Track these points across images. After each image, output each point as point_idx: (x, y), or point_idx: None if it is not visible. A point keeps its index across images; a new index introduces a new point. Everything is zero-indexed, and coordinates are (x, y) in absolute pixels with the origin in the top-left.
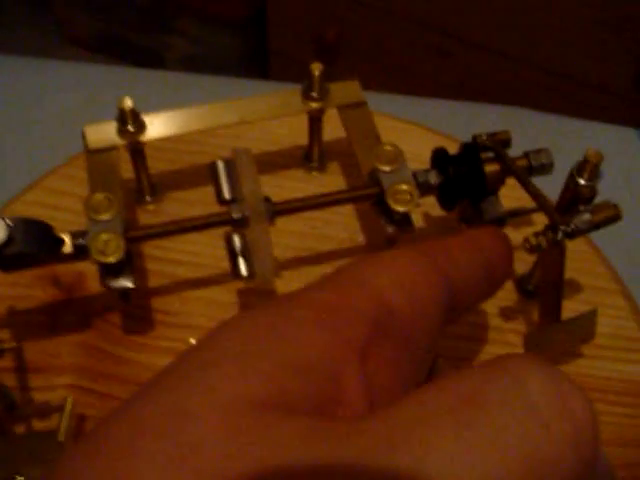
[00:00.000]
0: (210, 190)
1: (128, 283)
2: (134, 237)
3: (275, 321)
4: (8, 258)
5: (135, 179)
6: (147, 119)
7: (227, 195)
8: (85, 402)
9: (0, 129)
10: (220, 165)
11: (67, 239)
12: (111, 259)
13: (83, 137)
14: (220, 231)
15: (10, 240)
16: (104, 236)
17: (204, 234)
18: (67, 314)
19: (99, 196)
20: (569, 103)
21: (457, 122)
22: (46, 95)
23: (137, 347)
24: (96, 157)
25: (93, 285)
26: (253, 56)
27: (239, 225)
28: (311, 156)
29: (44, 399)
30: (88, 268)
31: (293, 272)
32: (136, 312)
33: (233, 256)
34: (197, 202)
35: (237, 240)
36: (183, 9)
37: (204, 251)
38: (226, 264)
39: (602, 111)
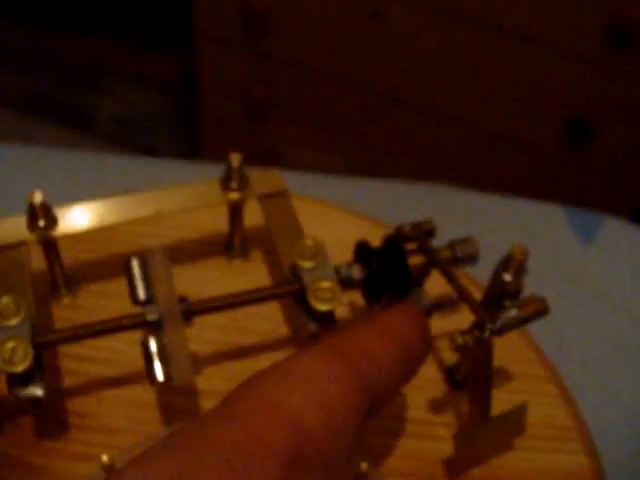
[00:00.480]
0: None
1: (38, 392)
2: (43, 343)
3: (180, 473)
4: None
5: (49, 273)
6: (59, 212)
7: (142, 296)
8: None
9: None
10: (134, 263)
11: None
12: (19, 368)
13: None
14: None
15: None
16: (10, 343)
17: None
18: None
19: (6, 300)
20: (498, 165)
21: (382, 202)
22: None
23: (50, 453)
24: (4, 254)
25: (3, 388)
26: (184, 115)
27: (155, 327)
28: (232, 244)
29: None
30: None
31: (215, 367)
32: (50, 415)
33: (149, 360)
34: (114, 294)
35: (153, 343)
36: (112, 68)
37: (122, 348)
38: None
39: (531, 172)
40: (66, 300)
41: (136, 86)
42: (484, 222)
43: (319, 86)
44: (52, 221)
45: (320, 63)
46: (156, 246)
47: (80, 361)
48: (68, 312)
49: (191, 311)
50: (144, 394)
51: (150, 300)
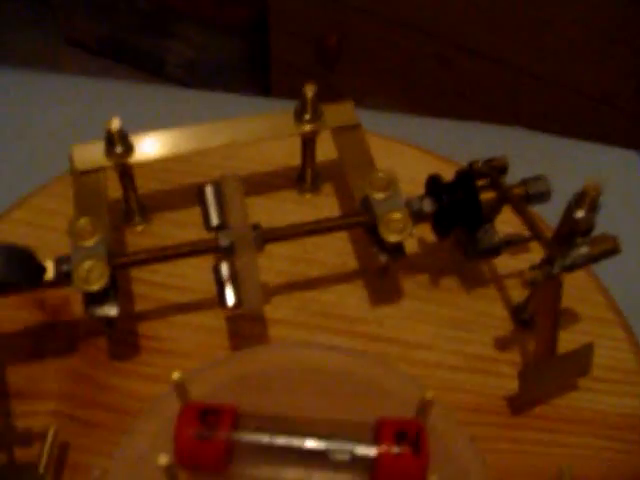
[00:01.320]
0: (200, 211)
1: (111, 311)
2: (119, 264)
3: None
4: None
5: (123, 200)
6: (135, 140)
7: (215, 222)
8: (68, 430)
9: None
10: (208, 190)
11: (50, 266)
12: (94, 287)
13: (70, 158)
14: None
15: None
16: (87, 263)
17: (193, 257)
18: (52, 338)
19: (83, 221)
20: (570, 116)
21: (454, 142)
22: (37, 109)
23: (122, 373)
24: (83, 178)
25: (79, 309)
26: (254, 61)
27: (227, 253)
28: (304, 177)
29: (26, 425)
30: (74, 292)
31: (283, 297)
32: (122, 337)
33: (220, 285)
34: (187, 223)
35: (225, 268)
36: (185, 14)
37: (193, 275)
38: (214, 288)
39: (603, 127)
40: (139, 228)
41: (208, 31)
42: (556, 165)
43: (390, 34)
44: (129, 148)
45: (392, 10)
46: (230, 174)
47: (152, 287)
48: (141, 239)
49: (264, 238)
50: (213, 320)
51: (223, 226)
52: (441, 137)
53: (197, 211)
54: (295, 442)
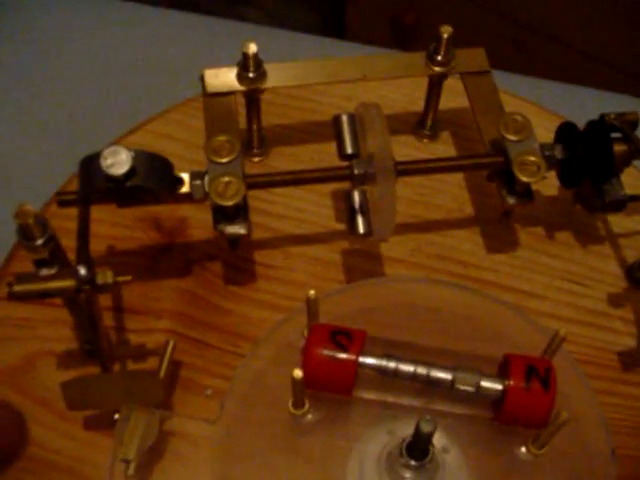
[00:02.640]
0: (318, 148)
1: (242, 230)
2: (254, 183)
3: None
4: (127, 191)
5: (246, 129)
6: (268, 67)
7: (350, 149)
8: (181, 348)
9: (103, 73)
10: (344, 118)
11: (186, 179)
12: (230, 202)
13: (201, 80)
14: (326, 189)
15: (132, 172)
16: (224, 179)
17: (310, 192)
18: (167, 259)
19: (221, 138)
20: None
21: (572, 106)
22: (153, 42)
23: (236, 298)
24: (214, 101)
25: (195, 232)
26: (328, 35)
27: (359, 181)
28: (425, 123)
29: (140, 342)
30: (190, 215)
31: (399, 237)
32: (237, 263)
33: (352, 213)
34: (303, 159)
35: (357, 197)
36: None
37: (309, 208)
38: (331, 223)
39: None
40: (257, 159)
41: (283, 2)
42: None
43: (467, 15)
44: (262, 74)
45: None
46: (371, 102)
47: (270, 217)
48: (258, 170)
49: (401, 170)
50: (327, 254)
51: (357, 155)
52: (558, 99)
53: (313, 147)
54: (421, 370)
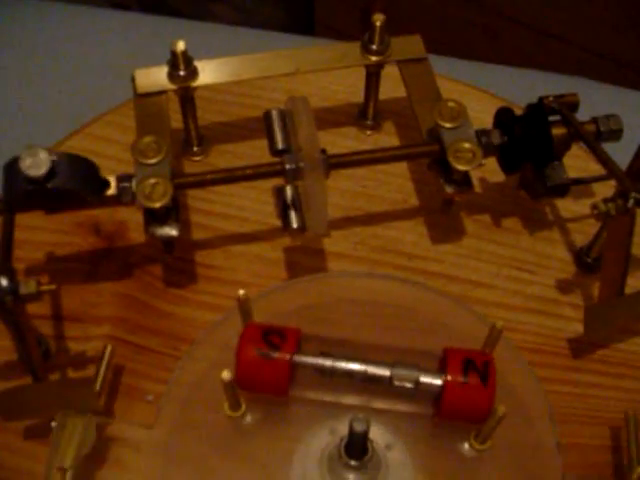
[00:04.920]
0: (259, 144)
1: (172, 231)
2: (182, 183)
3: None
4: (50, 193)
5: (183, 128)
6: (199, 65)
7: (280, 145)
8: (122, 354)
9: (46, 75)
10: (274, 114)
11: (112, 181)
12: (157, 204)
13: (132, 80)
14: (267, 186)
15: (53, 174)
16: (151, 180)
17: (251, 189)
18: (107, 264)
19: (147, 139)
20: None
21: (518, 89)
22: (92, 43)
23: (177, 300)
24: (145, 101)
25: (134, 236)
26: (298, 29)
27: (292, 176)
28: (366, 114)
29: (80, 349)
30: (130, 218)
31: (342, 231)
32: (178, 265)
33: (284, 208)
34: (245, 155)
35: (289, 192)
36: None
37: (251, 206)
38: (273, 220)
39: None
40: (197, 158)
41: None
42: (624, 116)
43: (437, 3)
44: (192, 72)
45: None
46: (299, 96)
47: (209, 217)
48: (198, 169)
49: (331, 163)
50: (270, 252)
51: (288, 150)
52: (504, 83)
53: (254, 144)
54: (358, 367)
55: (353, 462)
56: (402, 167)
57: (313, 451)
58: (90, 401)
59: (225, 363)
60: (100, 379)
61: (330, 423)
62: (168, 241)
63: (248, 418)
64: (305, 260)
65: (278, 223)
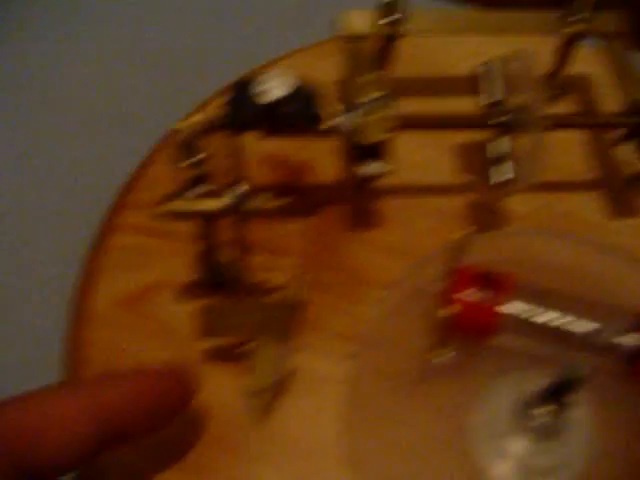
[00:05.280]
0: (442, 103)
1: (383, 168)
2: (405, 124)
3: None
4: (276, 119)
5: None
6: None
7: (496, 97)
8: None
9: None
10: (491, 66)
11: (333, 112)
12: (376, 139)
13: (340, 21)
14: (444, 143)
15: (287, 99)
16: (372, 116)
17: (436, 143)
18: (292, 199)
19: (370, 76)
20: None
21: None
22: None
23: (361, 242)
24: (352, 43)
25: (319, 175)
26: None
27: (502, 130)
28: (551, 84)
29: (265, 278)
30: (316, 157)
31: (522, 195)
32: (362, 208)
33: (494, 160)
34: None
35: (501, 144)
36: None
37: (432, 160)
38: (453, 176)
39: None
40: None
41: None
42: None
43: None
44: (403, 18)
45: None
46: (521, 52)
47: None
48: None
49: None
50: (450, 206)
51: (500, 103)
52: None
53: (437, 102)
54: (565, 320)
55: (548, 411)
56: (581, 139)
57: (500, 398)
58: (288, 325)
59: (415, 309)
60: (299, 303)
61: (518, 374)
62: (368, 180)
63: (440, 363)
64: (486, 217)
65: (457, 179)
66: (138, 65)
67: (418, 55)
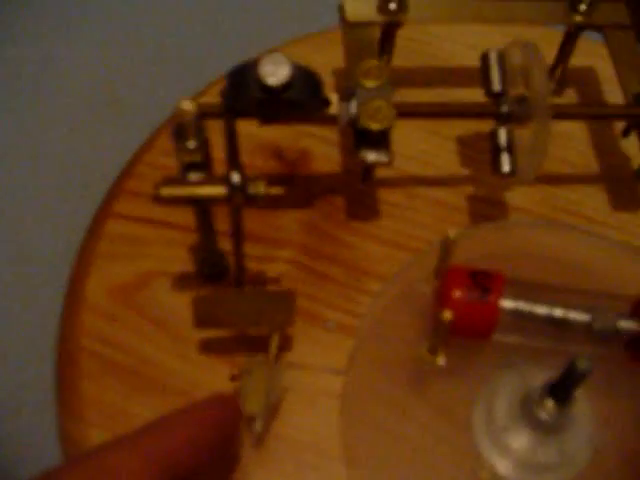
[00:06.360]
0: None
1: (384, 157)
2: (403, 112)
3: None
4: (278, 105)
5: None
6: (411, 1)
7: (497, 87)
8: (303, 279)
9: None
10: (493, 56)
11: (334, 99)
12: (378, 126)
13: (341, 9)
14: (450, 133)
15: (290, 84)
16: (376, 102)
17: (434, 135)
18: (289, 189)
19: (371, 62)
20: None
21: None
22: None
23: (359, 233)
24: (353, 31)
25: (317, 165)
26: None
27: (504, 120)
28: (552, 75)
29: (262, 269)
30: (312, 147)
31: (524, 187)
32: (360, 199)
33: (496, 151)
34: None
35: (503, 135)
36: None
37: (434, 151)
38: (455, 167)
39: None
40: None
41: None
42: None
43: None
44: (403, 5)
45: None
46: (530, 42)
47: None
48: None
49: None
50: (451, 198)
51: (503, 93)
52: None
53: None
54: (559, 312)
55: (554, 404)
56: (583, 132)
57: (501, 392)
58: (286, 316)
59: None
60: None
61: (518, 368)
62: (370, 169)
63: (441, 362)
64: (485, 209)
65: (459, 170)
66: (136, 54)
67: (420, 43)
